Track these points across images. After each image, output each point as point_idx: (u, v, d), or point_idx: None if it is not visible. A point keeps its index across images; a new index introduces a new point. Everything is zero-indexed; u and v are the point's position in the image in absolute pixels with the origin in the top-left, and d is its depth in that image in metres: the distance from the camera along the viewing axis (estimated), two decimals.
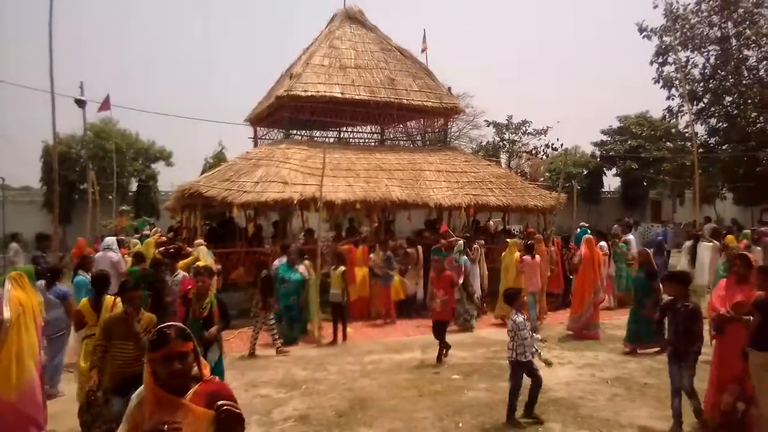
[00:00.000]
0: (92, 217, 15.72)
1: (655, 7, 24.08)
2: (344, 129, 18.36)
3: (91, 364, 5.17)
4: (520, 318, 6.34)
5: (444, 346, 9.08)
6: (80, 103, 23.52)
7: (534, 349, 6.29)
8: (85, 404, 5.44)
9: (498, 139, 35.57)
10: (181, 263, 9.75)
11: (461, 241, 12.47)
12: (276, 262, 11.34)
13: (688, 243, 13.50)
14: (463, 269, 11.86)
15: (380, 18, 31.34)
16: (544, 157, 34.90)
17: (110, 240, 10.95)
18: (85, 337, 6.30)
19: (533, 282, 11.24)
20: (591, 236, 11.95)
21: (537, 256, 11.45)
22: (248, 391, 7.63)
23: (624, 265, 13.56)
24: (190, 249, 10.77)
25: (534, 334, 6.54)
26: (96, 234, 16.57)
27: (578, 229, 15.22)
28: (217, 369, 6.03)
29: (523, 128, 35.08)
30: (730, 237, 13.20)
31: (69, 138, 27.57)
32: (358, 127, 18.56)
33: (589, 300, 10.68)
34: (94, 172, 17.88)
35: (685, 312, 5.98)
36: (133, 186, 30.95)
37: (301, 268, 10.64)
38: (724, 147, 24.96)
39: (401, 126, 19.22)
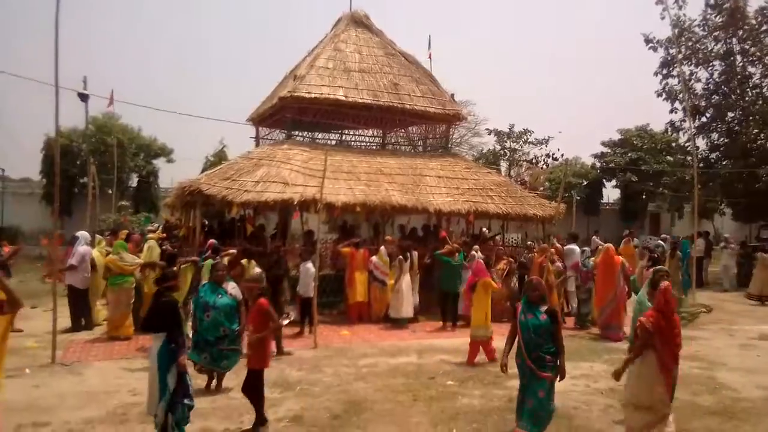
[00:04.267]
0: (92, 211, 15.71)
1: (663, 18, 24.15)
2: (346, 132, 18.39)
3: None
4: None
5: (258, 416, 6.27)
6: (83, 97, 23.58)
7: None
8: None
9: (499, 147, 35.62)
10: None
11: (599, 245, 13.18)
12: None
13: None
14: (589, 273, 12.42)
15: (385, 23, 31.40)
16: (545, 166, 34.97)
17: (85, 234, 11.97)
18: None
19: None
20: (611, 244, 12.25)
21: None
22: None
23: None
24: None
25: None
26: (94, 228, 16.59)
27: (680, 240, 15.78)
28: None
29: (525, 137, 35.14)
30: None
31: (70, 131, 27.56)
32: (360, 131, 18.58)
33: (608, 302, 11.43)
34: (95, 166, 17.85)
35: None
36: (134, 181, 30.92)
37: (231, 286, 7.99)
38: (724, 163, 25.01)
39: (403, 131, 19.24)
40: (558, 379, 5.70)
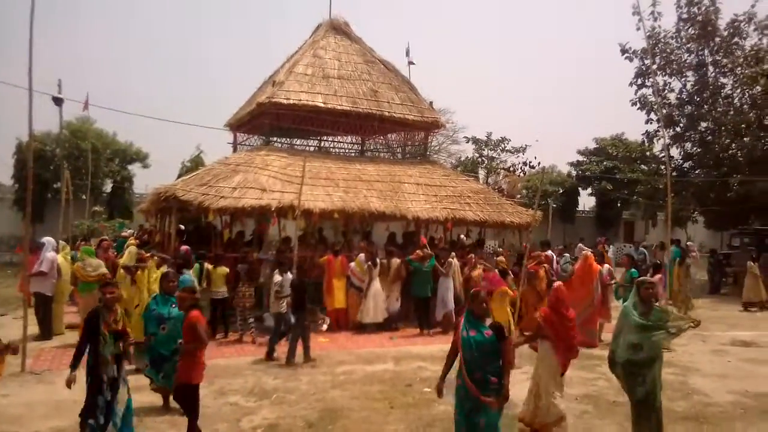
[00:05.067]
0: (65, 217, 15.43)
1: (638, 29, 24.63)
2: (325, 138, 18.36)
3: None
4: None
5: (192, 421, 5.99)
6: (57, 101, 23.18)
7: None
8: None
9: (477, 155, 35.85)
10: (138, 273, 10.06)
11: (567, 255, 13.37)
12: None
13: None
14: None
15: (365, 30, 31.46)
16: (522, 174, 35.24)
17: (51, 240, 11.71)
18: None
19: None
20: (589, 252, 12.41)
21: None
22: (217, 399, 7.55)
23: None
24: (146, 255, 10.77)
25: None
26: (67, 235, 16.30)
27: (672, 247, 16.17)
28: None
29: (502, 145, 35.39)
30: None
31: (44, 136, 27.08)
32: (339, 137, 18.57)
33: (583, 308, 11.34)
34: (69, 171, 17.58)
35: None
36: (108, 187, 30.49)
37: None
38: (697, 172, 25.47)
39: (382, 138, 19.30)
40: (501, 402, 5.11)
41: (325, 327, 9.34)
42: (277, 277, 10.44)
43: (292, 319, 9.92)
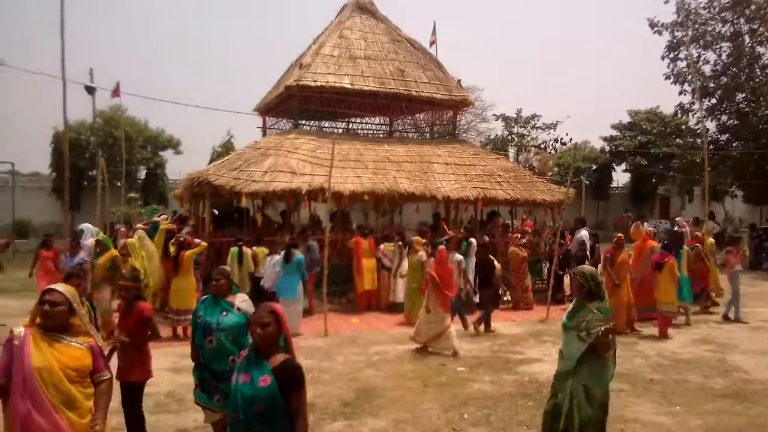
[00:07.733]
0: (101, 204, 15.76)
1: (666, 2, 23.94)
2: (353, 120, 18.34)
3: None
4: None
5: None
6: (90, 90, 23.58)
7: None
8: None
9: (507, 132, 35.42)
10: (188, 253, 10.15)
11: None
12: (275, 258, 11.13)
13: None
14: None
15: (390, 8, 31.26)
16: (553, 151, 34.72)
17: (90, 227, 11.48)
18: None
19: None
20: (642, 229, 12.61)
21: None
22: None
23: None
24: (197, 240, 10.86)
25: None
26: (105, 221, 16.68)
27: None
28: None
29: (533, 122, 34.83)
30: None
31: (78, 125, 27.65)
32: (366, 119, 18.52)
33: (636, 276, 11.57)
34: (104, 159, 17.92)
35: None
36: (142, 174, 31.07)
37: (239, 299, 5.37)
38: (734, 144, 24.81)
39: (410, 118, 19.18)
40: None
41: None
42: (458, 256, 10.83)
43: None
